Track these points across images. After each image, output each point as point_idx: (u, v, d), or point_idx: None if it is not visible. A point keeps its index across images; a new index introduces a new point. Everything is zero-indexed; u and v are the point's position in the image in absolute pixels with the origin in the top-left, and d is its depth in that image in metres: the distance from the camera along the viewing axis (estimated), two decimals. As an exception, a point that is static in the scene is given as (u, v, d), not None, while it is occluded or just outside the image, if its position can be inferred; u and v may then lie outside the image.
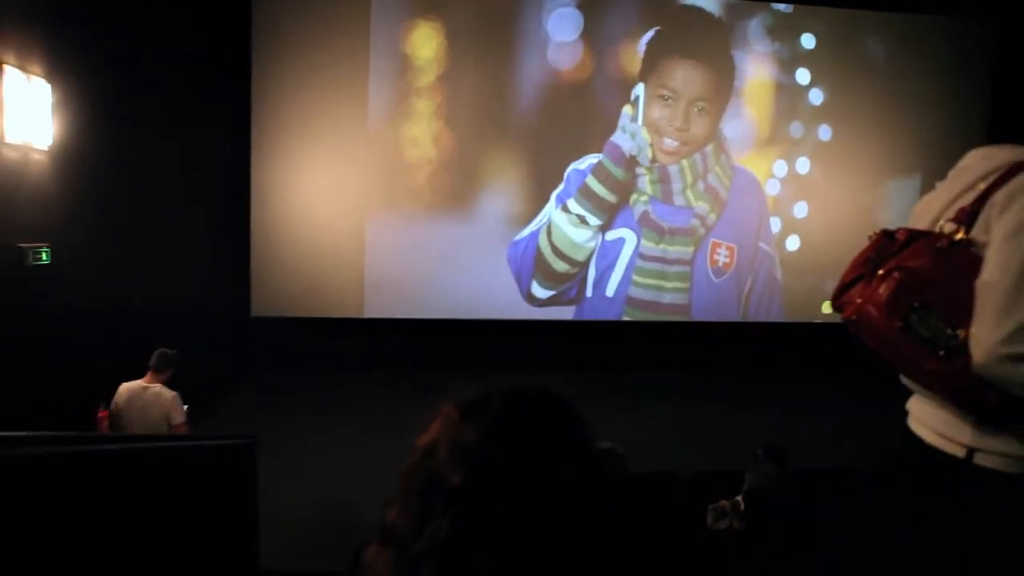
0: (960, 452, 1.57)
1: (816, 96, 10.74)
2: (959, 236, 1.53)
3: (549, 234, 10.04)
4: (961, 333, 1.46)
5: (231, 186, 9.28)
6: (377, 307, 9.81)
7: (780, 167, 10.72)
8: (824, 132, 10.81)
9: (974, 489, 1.56)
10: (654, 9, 10.24)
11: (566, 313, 10.26)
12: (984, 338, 1.41)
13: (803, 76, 10.68)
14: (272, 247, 9.57)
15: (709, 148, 10.36)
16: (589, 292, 10.25)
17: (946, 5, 10.87)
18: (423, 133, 9.78)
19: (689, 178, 10.30)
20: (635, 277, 10.29)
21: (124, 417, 4.72)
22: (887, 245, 1.67)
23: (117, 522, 3.19)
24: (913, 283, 1.55)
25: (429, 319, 9.93)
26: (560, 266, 10.12)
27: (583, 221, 10.05)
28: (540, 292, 10.14)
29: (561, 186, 10.04)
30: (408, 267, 9.80)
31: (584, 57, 9.97)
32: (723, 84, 10.39)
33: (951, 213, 1.59)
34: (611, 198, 10.10)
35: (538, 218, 10.04)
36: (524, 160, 9.98)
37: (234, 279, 9.36)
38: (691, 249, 10.42)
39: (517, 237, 10.04)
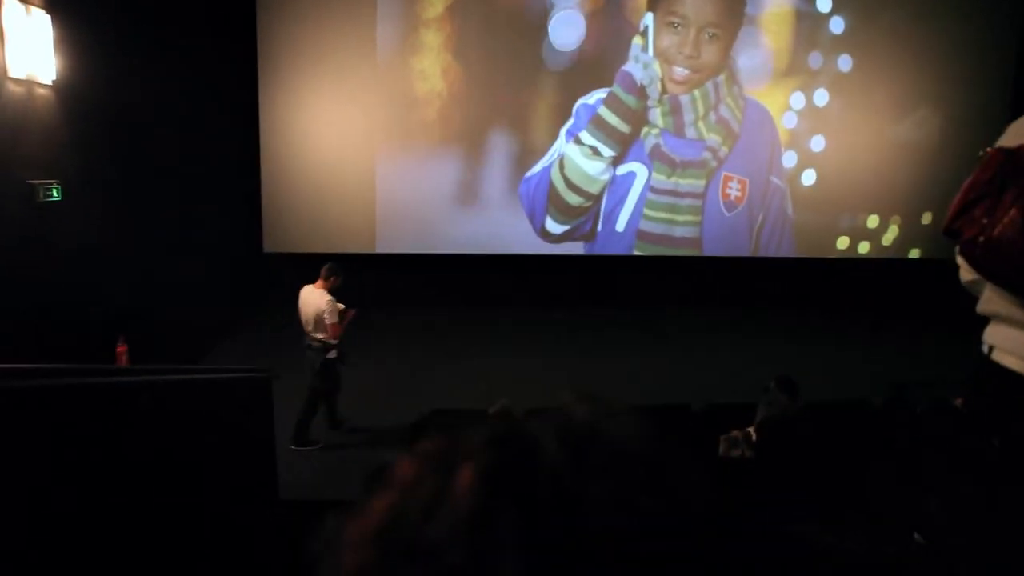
0: None
1: (837, 24, 10.38)
2: None
3: (562, 168, 9.94)
4: None
5: (239, 121, 9.23)
6: (389, 243, 9.83)
7: (797, 99, 10.45)
8: (844, 63, 10.48)
9: None
10: (669, -66, 9.88)
11: (577, 249, 10.24)
12: None
13: (824, 3, 10.30)
14: (282, 183, 9.57)
15: (721, 78, 10.12)
16: (600, 227, 10.20)
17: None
18: (432, 66, 9.61)
19: (701, 109, 10.09)
20: (646, 211, 10.20)
21: (300, 311, 5.77)
22: (1010, 164, 1.56)
23: (137, 451, 3.27)
24: None
25: (442, 254, 9.94)
26: (574, 200, 10.04)
27: (596, 153, 9.92)
28: (554, 227, 10.09)
29: (571, 120, 9.87)
30: (419, 203, 9.77)
31: (597, -13, 9.70)
32: (734, 9, 10.06)
33: None
34: (624, 128, 9.94)
35: (549, 153, 9.92)
36: (534, 94, 9.80)
37: (246, 216, 9.38)
38: (703, 182, 10.29)
39: (529, 173, 9.94)
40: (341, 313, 5.69)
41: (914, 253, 11.05)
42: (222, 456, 3.96)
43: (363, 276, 9.63)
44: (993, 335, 1.70)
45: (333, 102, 9.52)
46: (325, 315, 5.54)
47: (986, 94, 10.85)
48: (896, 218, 10.95)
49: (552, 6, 9.62)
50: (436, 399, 5.73)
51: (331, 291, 5.67)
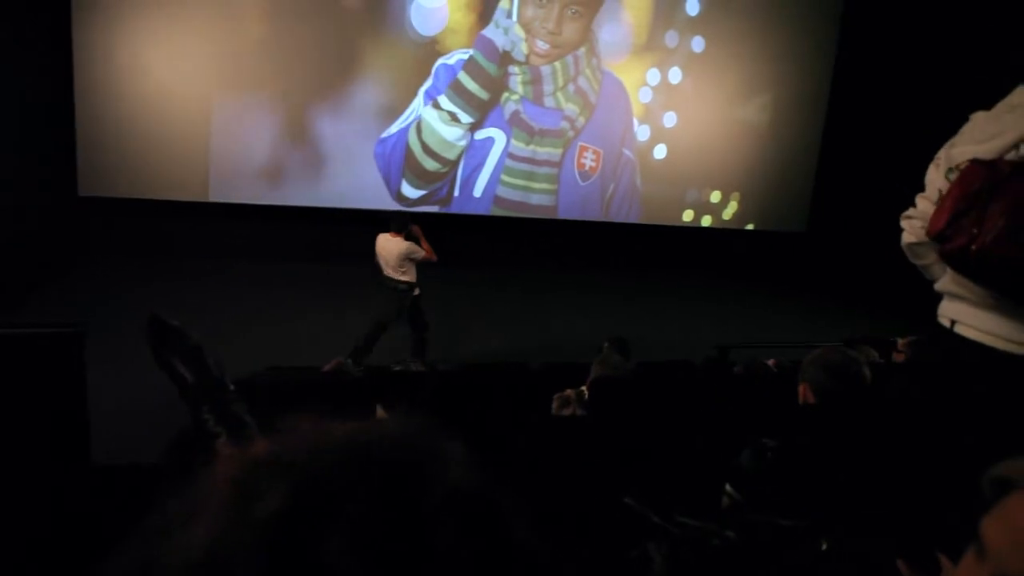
0: None
1: (693, 6, 10.74)
2: None
3: (420, 132, 9.70)
4: None
5: (45, 46, 8.10)
6: (227, 192, 9.18)
7: (653, 75, 10.76)
8: (698, 44, 10.89)
9: None
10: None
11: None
12: None
13: (682, -15, 10.64)
14: (101, 120, 8.57)
15: (581, 51, 10.21)
16: (457, 192, 10.09)
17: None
18: (288, 14, 9.02)
19: (560, 80, 10.15)
20: (504, 177, 10.19)
21: (379, 255, 6.23)
22: (992, 175, 1.70)
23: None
24: None
25: (285, 206, 9.41)
26: (431, 164, 9.85)
27: (455, 119, 9.76)
28: (410, 192, 9.87)
29: (429, 81, 9.64)
30: (264, 155, 9.22)
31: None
32: (599, -13, 10.17)
33: None
34: (483, 95, 9.83)
35: (406, 114, 9.64)
36: (391, 51, 9.45)
37: (59, 156, 8.42)
38: (560, 151, 10.40)
39: (385, 134, 9.63)
40: (417, 242, 6.20)
41: (749, 227, 11.82)
42: (28, 418, 3.58)
43: (194, 225, 9.11)
44: (956, 312, 1.92)
45: (166, 33, 8.61)
46: (411, 254, 6.09)
47: (813, 83, 11.68)
48: (736, 194, 11.60)
49: (418, -40, 9.30)
50: (269, 356, 5.44)
51: (405, 236, 6.15)
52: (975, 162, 1.77)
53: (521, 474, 2.71)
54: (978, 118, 1.92)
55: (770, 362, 4.67)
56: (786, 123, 11.66)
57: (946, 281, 1.95)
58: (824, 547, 1.24)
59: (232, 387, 1.19)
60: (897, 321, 8.69)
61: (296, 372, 4.45)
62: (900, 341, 4.52)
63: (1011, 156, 1.74)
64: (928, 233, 1.86)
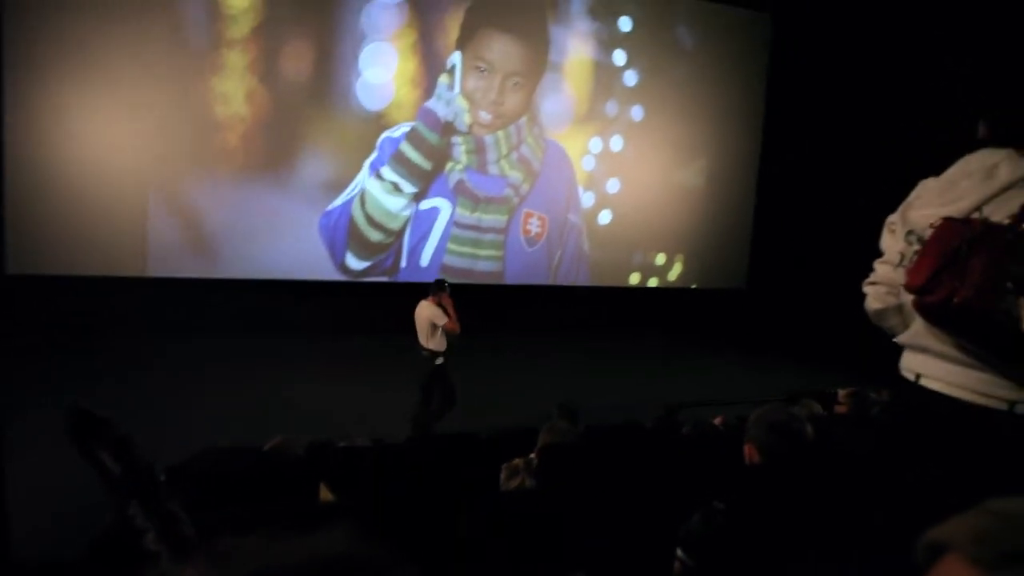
0: (1003, 405, 1.84)
1: (631, 77, 11.17)
2: (1022, 228, 1.75)
3: (363, 203, 9.73)
4: None
5: None
6: (167, 266, 8.98)
7: (595, 144, 11.06)
8: (637, 112, 11.28)
9: (1018, 430, 1.84)
10: (480, -22, 10.14)
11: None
12: None
13: (620, 57, 11.06)
14: (34, 196, 8.31)
15: (523, 120, 10.46)
16: (404, 263, 10.08)
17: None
18: (235, 89, 9.10)
19: (504, 148, 10.36)
20: (450, 245, 10.24)
21: (416, 321, 6.41)
22: (966, 233, 1.81)
23: None
24: (1002, 264, 1.75)
25: (225, 279, 9.21)
26: (375, 236, 9.86)
27: (397, 188, 9.83)
28: (355, 263, 9.83)
29: (374, 154, 9.72)
30: (205, 228, 9.07)
31: (409, 20, 9.71)
32: (539, 60, 10.50)
33: (1010, 206, 1.81)
34: (426, 165, 9.95)
35: (351, 187, 9.68)
36: (337, 125, 9.54)
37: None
38: (505, 218, 10.53)
39: (329, 207, 9.63)
40: (445, 312, 6.35)
41: (693, 286, 12.12)
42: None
43: (133, 303, 8.77)
44: (921, 365, 2.00)
45: (102, 108, 8.50)
46: (435, 319, 6.27)
47: (746, 145, 12.21)
48: (680, 256, 11.89)
49: (364, 36, 9.50)
50: (209, 435, 5.25)
51: (438, 303, 6.37)
52: (950, 219, 1.86)
53: (469, 557, 2.64)
54: (929, 184, 2.04)
55: (717, 420, 4.68)
56: (722, 185, 12.11)
57: (911, 335, 2.02)
58: None
59: (163, 478, 1.16)
60: (837, 372, 8.89)
61: (237, 453, 4.27)
62: (841, 393, 4.59)
63: (983, 214, 1.85)
64: (907, 286, 1.93)
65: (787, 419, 2.36)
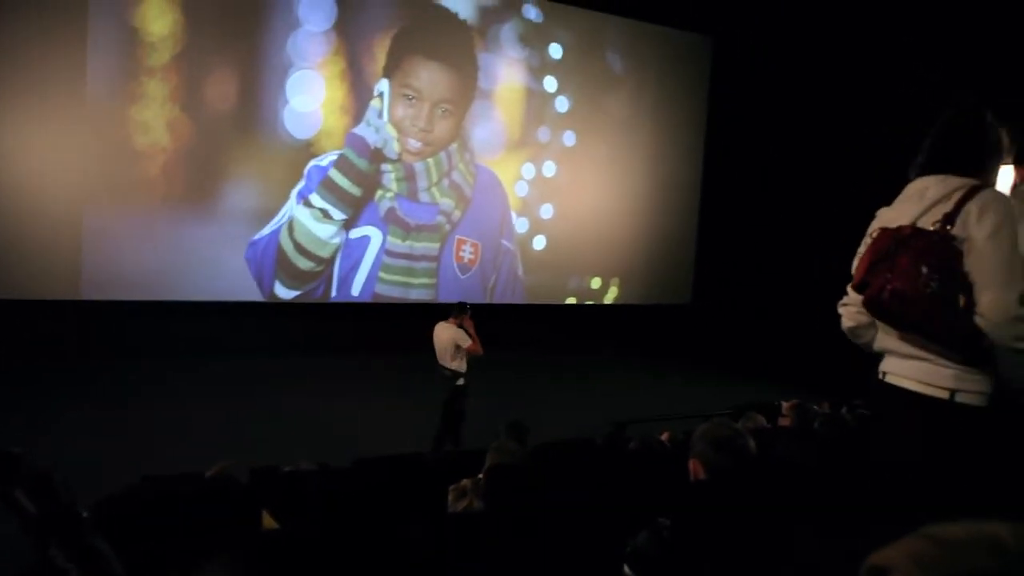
0: (944, 394, 2.09)
1: (562, 104, 11.29)
2: (946, 232, 2.07)
3: (291, 231, 9.50)
4: (962, 298, 2.02)
5: None
6: (99, 290, 8.65)
7: (528, 170, 11.11)
8: (569, 138, 11.39)
9: (960, 419, 2.08)
10: (408, 5, 10.11)
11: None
12: (997, 305, 1.97)
13: (551, 84, 11.17)
14: None
15: (454, 147, 10.43)
16: (335, 292, 9.85)
17: (673, 17, 11.92)
18: (156, 118, 8.83)
19: (435, 176, 10.29)
20: (382, 274, 10.08)
21: (436, 342, 6.43)
22: (899, 238, 2.13)
23: None
24: (931, 261, 2.05)
25: (154, 301, 8.90)
26: (304, 264, 9.63)
27: (327, 215, 9.64)
28: (284, 292, 9.56)
29: (302, 183, 9.52)
30: (135, 256, 8.72)
31: (336, 48, 9.63)
32: (468, 87, 10.51)
33: (932, 218, 2.13)
34: (355, 191, 9.80)
35: (278, 216, 9.45)
36: (264, 154, 9.32)
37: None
38: (437, 245, 10.43)
39: (256, 236, 9.36)
40: (468, 334, 6.40)
41: (633, 303, 12.18)
42: None
43: (65, 325, 8.50)
44: (885, 364, 2.29)
45: (34, 146, 8.24)
46: (459, 341, 6.31)
47: (686, 167, 12.47)
48: (616, 279, 11.98)
49: (291, 64, 9.37)
50: (148, 464, 5.00)
51: (459, 324, 6.43)
52: (883, 229, 2.20)
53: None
54: (882, 212, 2.36)
55: (663, 436, 4.72)
56: (661, 205, 12.29)
57: (878, 341, 2.32)
58: None
59: (86, 515, 1.07)
60: (782, 385, 9.09)
61: (176, 481, 4.07)
62: (785, 405, 4.69)
63: (920, 224, 2.15)
64: (853, 285, 2.24)
65: (731, 434, 2.38)
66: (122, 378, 8.02)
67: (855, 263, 2.34)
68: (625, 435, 5.86)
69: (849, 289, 2.33)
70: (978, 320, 2.01)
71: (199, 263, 9.05)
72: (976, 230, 2.06)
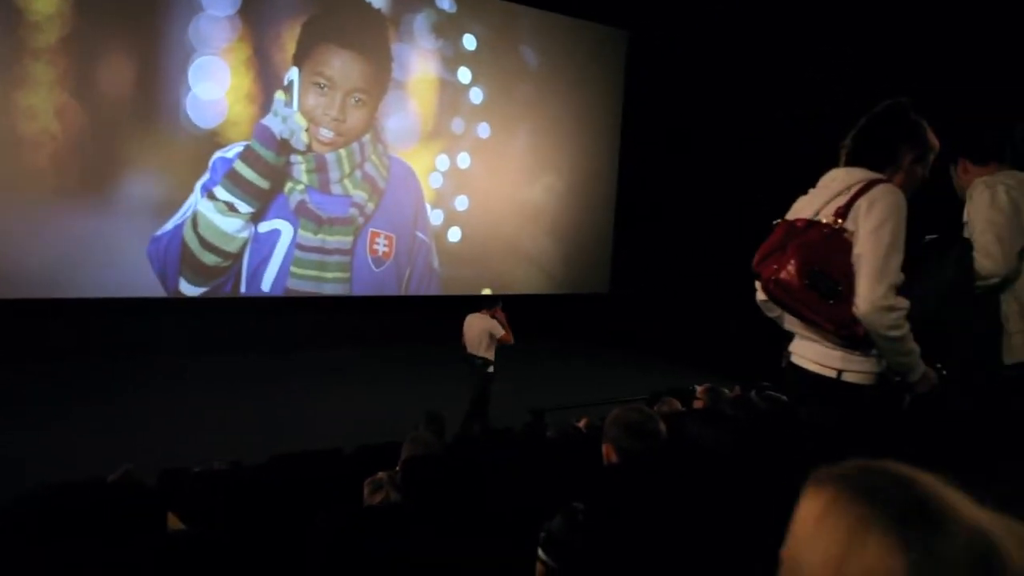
0: (832, 373, 2.30)
1: (476, 95, 11.21)
2: (838, 225, 2.22)
3: (195, 225, 9.08)
4: (842, 288, 2.18)
5: None
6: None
7: (442, 161, 10.99)
8: (483, 130, 11.34)
9: (845, 396, 2.29)
10: (319, -8, 9.82)
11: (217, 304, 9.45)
12: (867, 295, 2.15)
13: (464, 75, 11.08)
14: None
15: (367, 137, 10.22)
16: (244, 287, 9.49)
17: (589, 10, 12.02)
18: (43, 104, 8.29)
19: (347, 167, 10.05)
20: (293, 269, 9.77)
21: (465, 334, 6.91)
22: (791, 229, 2.30)
23: None
24: (811, 254, 2.22)
25: (49, 299, 8.35)
26: (210, 259, 9.23)
27: (232, 208, 9.27)
28: (189, 289, 9.16)
29: (207, 175, 9.12)
30: (24, 256, 8.20)
31: (242, 34, 9.23)
32: (381, 76, 10.31)
33: (830, 210, 2.27)
34: (262, 183, 9.45)
35: (182, 210, 9.02)
36: (165, 144, 8.87)
37: None
38: (350, 238, 10.20)
39: (158, 231, 8.92)
40: (500, 324, 6.88)
41: (551, 292, 12.27)
42: None
43: None
44: (792, 345, 2.48)
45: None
46: (493, 331, 6.79)
47: (602, 158, 12.62)
48: (532, 271, 12.01)
49: (193, 50, 8.93)
50: (44, 469, 4.70)
51: (492, 316, 6.90)
52: (782, 221, 2.39)
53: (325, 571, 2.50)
54: (798, 200, 2.49)
55: (581, 423, 4.77)
56: (578, 197, 12.39)
57: (787, 322, 2.50)
58: None
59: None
60: (698, 371, 9.33)
61: (77, 487, 3.84)
62: (698, 389, 4.84)
63: (821, 216, 2.32)
64: (753, 266, 2.41)
65: (642, 419, 2.43)
66: (13, 381, 7.54)
67: None
68: (544, 423, 5.91)
69: None
70: (854, 309, 2.18)
71: (96, 259, 8.56)
72: (862, 223, 2.21)
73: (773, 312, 2.55)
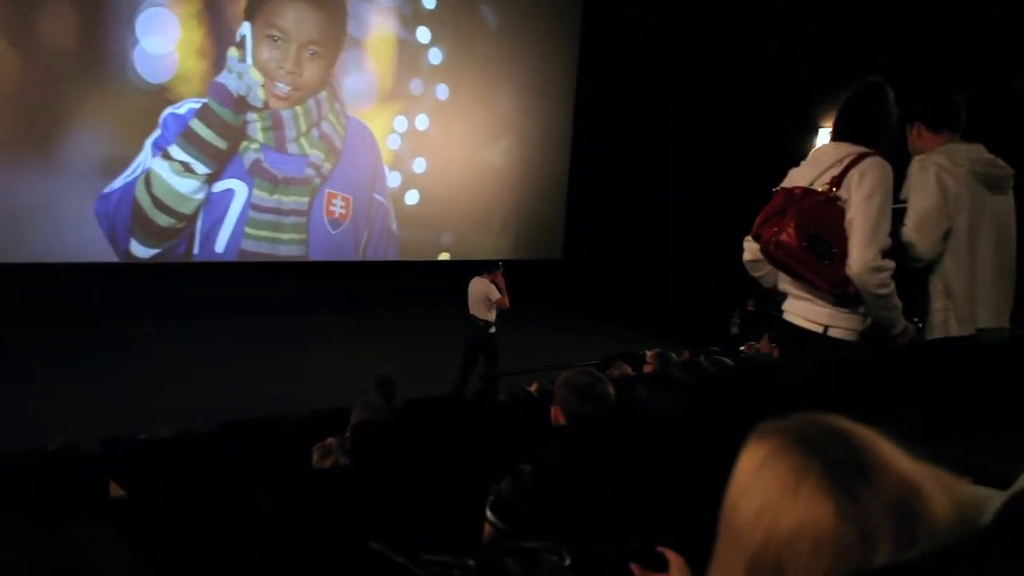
0: (819, 328, 2.57)
1: (435, 55, 11.00)
2: (833, 193, 2.48)
3: (148, 185, 8.83)
4: (836, 250, 2.43)
5: None
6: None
7: (400, 122, 10.82)
8: (442, 91, 11.16)
9: (829, 348, 2.55)
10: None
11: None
12: (859, 256, 2.40)
13: (424, 35, 10.86)
14: None
15: (323, 95, 9.99)
16: (197, 249, 9.29)
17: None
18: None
19: (303, 125, 9.84)
20: (248, 230, 9.59)
21: (469, 296, 7.24)
22: (790, 196, 2.53)
23: None
24: (808, 220, 2.46)
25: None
26: (164, 220, 9.00)
27: (189, 169, 9.02)
28: (141, 251, 8.93)
29: (157, 131, 8.83)
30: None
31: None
32: (336, 29, 10.02)
33: (825, 179, 2.53)
34: (220, 143, 9.20)
35: (132, 167, 8.75)
36: (112, 98, 8.54)
37: None
38: (307, 199, 10.03)
39: (107, 189, 8.64)
40: (498, 288, 7.20)
41: (499, 261, 12.21)
42: None
43: None
44: (786, 304, 2.70)
45: None
46: (490, 295, 7.10)
47: (557, 122, 12.54)
48: (490, 234, 12.00)
49: (140, 0, 8.54)
50: None
51: (492, 280, 7.21)
52: (780, 189, 2.62)
53: (272, 534, 2.50)
54: (792, 170, 2.71)
55: (532, 387, 4.80)
56: (534, 161, 12.31)
57: (780, 282, 2.73)
58: (568, 563, 1.23)
59: None
60: (651, 336, 9.44)
61: (14, 456, 3.75)
62: (648, 354, 4.92)
63: (816, 184, 2.55)
64: (752, 233, 2.62)
65: (590, 381, 2.45)
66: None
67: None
68: (496, 388, 5.95)
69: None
70: (847, 270, 2.42)
71: (39, 219, 8.27)
72: (855, 192, 2.46)
73: (759, 272, 2.80)
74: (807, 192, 2.52)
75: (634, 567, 1.37)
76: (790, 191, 2.55)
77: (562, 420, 2.43)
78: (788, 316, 2.68)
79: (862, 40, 8.50)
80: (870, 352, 2.62)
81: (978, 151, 2.72)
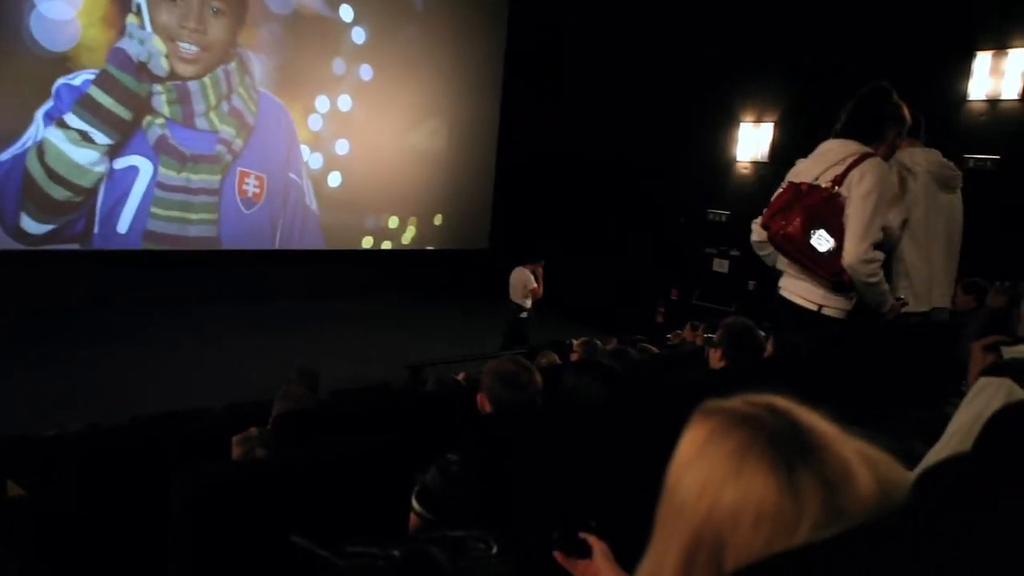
0: (814, 307, 2.88)
1: (359, 35, 10.68)
2: (834, 190, 2.75)
3: (42, 155, 8.21)
4: (835, 243, 2.72)
5: None
6: None
7: (322, 102, 10.45)
8: (366, 72, 10.85)
9: (823, 325, 2.87)
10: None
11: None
12: (852, 249, 2.70)
13: (347, 13, 10.51)
14: None
15: (232, 66, 9.48)
16: (97, 228, 8.72)
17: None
18: None
19: (212, 98, 9.31)
20: (154, 209, 9.04)
21: (511, 281, 8.15)
22: (797, 192, 2.81)
23: None
24: (813, 215, 2.75)
25: None
26: (60, 193, 8.39)
27: (87, 138, 8.42)
28: (34, 227, 8.31)
29: (50, 102, 8.21)
30: None
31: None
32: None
33: (828, 176, 2.79)
34: (121, 112, 8.62)
35: (22, 139, 8.11)
36: (4, 67, 7.92)
37: None
38: (218, 177, 9.52)
39: (-7, 160, 7.98)
40: (536, 278, 7.93)
41: (429, 247, 12.10)
42: None
43: None
44: (783, 283, 3.03)
45: None
46: (526, 283, 7.90)
47: (485, 108, 12.41)
48: (413, 219, 11.78)
49: (35, -35, 7.91)
50: None
51: (533, 271, 8.00)
52: (789, 183, 2.90)
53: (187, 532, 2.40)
54: (798, 163, 3.00)
55: (460, 376, 4.77)
56: (460, 147, 12.14)
57: (780, 264, 3.04)
58: (494, 551, 1.24)
59: None
60: (579, 326, 9.48)
61: None
62: (575, 343, 5.03)
63: (820, 181, 2.82)
64: (761, 223, 2.93)
65: (517, 369, 2.44)
66: None
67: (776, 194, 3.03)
68: (423, 378, 5.87)
69: (764, 210, 2.99)
70: (842, 260, 2.72)
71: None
72: (854, 190, 2.74)
73: (763, 251, 3.12)
74: (812, 188, 2.80)
75: (557, 554, 1.41)
76: (797, 187, 2.84)
77: (488, 408, 2.41)
78: (785, 293, 3.00)
79: (785, 39, 8.79)
80: (860, 327, 2.98)
81: (935, 155, 3.28)
